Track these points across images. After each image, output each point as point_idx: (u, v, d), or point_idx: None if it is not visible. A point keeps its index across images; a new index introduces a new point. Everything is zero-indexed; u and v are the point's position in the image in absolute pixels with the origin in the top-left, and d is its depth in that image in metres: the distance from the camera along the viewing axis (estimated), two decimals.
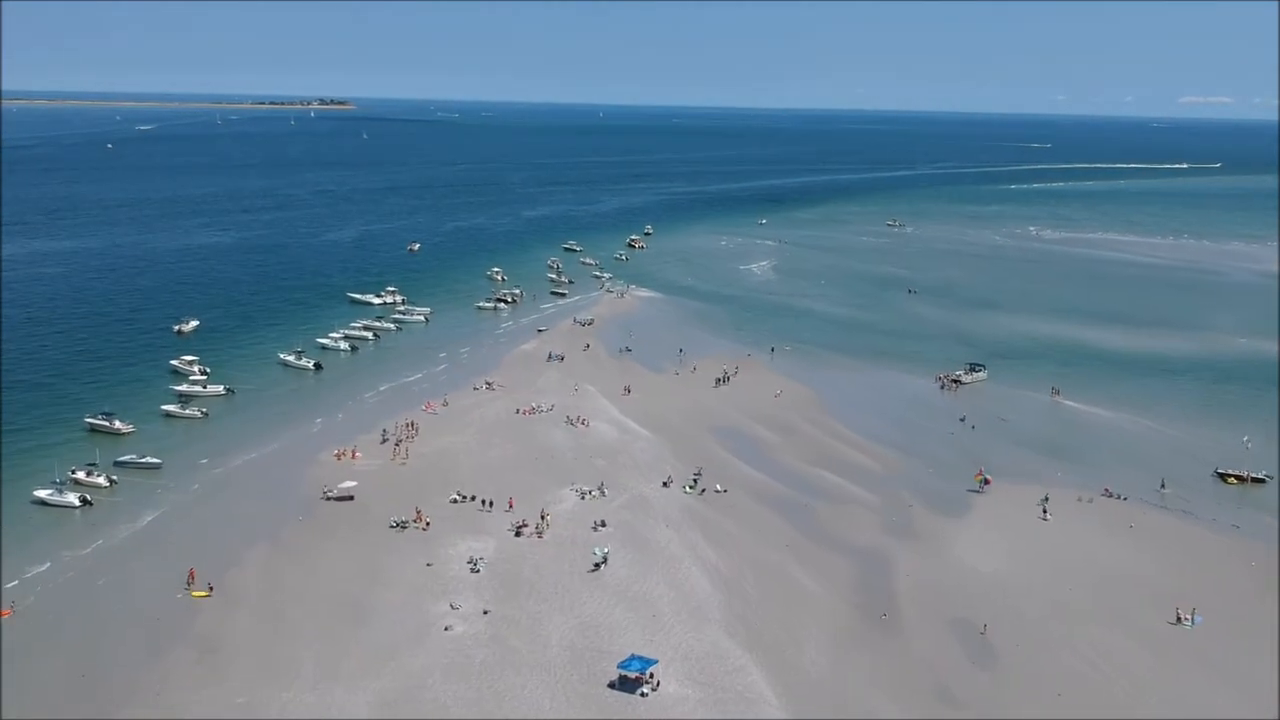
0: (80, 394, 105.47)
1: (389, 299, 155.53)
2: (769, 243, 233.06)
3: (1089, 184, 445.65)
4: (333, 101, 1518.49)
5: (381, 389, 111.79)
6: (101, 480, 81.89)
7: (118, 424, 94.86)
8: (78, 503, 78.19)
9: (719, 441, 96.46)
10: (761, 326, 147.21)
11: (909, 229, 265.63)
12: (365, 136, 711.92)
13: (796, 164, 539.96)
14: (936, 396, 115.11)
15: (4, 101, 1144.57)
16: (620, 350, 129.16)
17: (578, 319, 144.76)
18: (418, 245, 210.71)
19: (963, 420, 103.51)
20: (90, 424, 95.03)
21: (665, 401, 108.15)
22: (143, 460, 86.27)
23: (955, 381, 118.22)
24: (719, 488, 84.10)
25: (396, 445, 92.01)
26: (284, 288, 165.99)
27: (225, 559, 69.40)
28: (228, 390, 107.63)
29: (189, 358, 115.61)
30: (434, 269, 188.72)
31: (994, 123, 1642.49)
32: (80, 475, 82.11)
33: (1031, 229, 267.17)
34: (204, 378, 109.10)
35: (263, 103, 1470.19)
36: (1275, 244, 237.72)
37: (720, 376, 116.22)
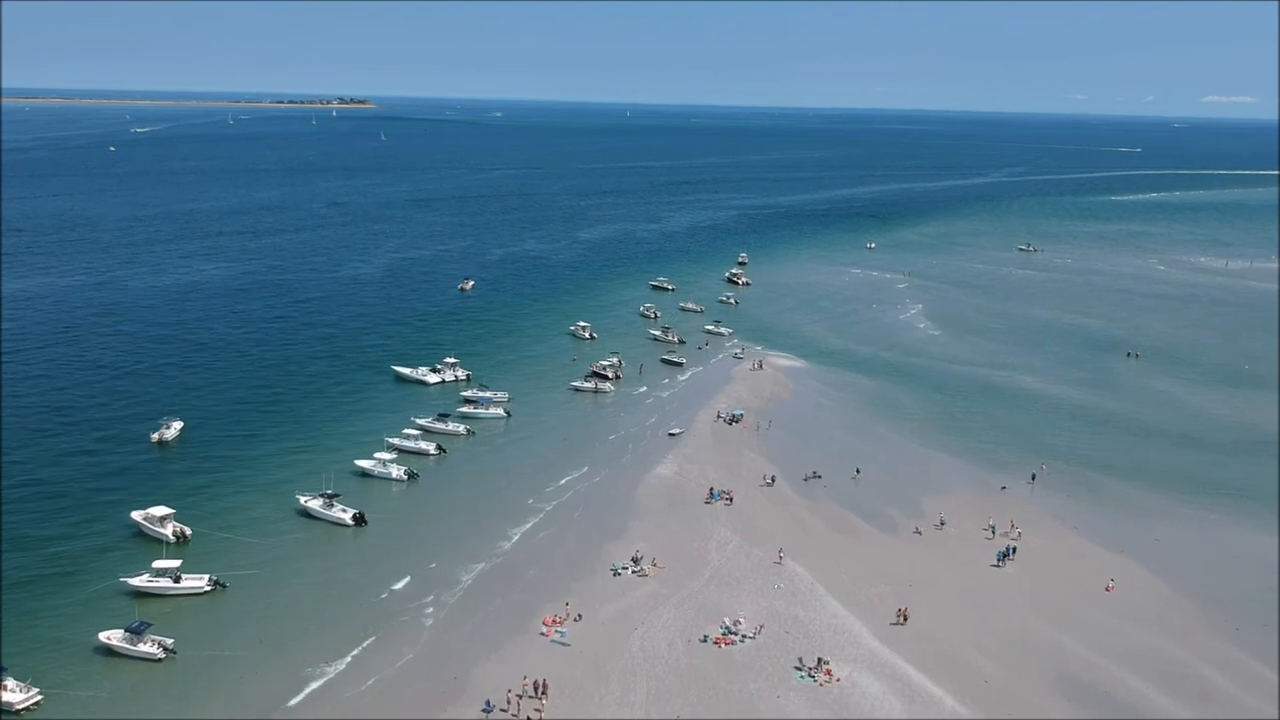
0: None
1: (449, 375, 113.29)
2: (896, 276, 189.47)
3: (1199, 194, 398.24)
4: (353, 100, 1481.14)
5: (461, 572, 69.26)
6: None
7: (9, 687, 52.79)
8: None
9: None
10: (980, 424, 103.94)
11: (1046, 254, 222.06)
12: (384, 138, 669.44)
13: (854, 169, 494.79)
14: None
15: (14, 99, 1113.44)
16: (806, 478, 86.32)
17: (722, 414, 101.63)
18: (470, 283, 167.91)
19: None
20: None
21: (944, 612, 64.77)
22: None
23: None
24: None
25: None
26: (301, 357, 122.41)
27: None
28: (214, 584, 65.37)
29: (160, 512, 72.96)
30: (497, 320, 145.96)
31: (1019, 123, 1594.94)
32: None
33: (1202, 259, 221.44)
34: (176, 565, 66.33)
35: (282, 101, 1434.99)
36: None
37: (1004, 550, 72.83)
